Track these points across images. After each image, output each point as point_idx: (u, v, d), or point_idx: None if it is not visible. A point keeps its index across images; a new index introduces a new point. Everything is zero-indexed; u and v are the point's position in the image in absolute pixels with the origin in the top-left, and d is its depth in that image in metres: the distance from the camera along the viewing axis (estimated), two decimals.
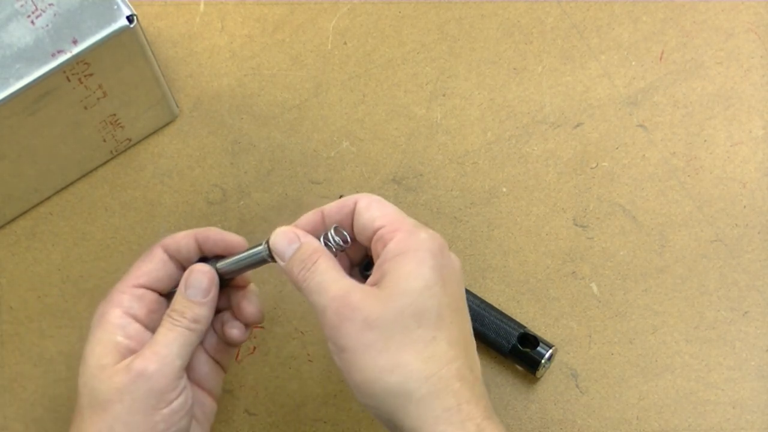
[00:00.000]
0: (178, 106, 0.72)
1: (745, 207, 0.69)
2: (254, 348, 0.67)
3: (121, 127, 0.68)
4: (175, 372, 0.55)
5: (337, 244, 0.55)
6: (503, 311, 0.66)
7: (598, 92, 0.72)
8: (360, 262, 0.59)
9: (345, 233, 0.55)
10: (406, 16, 0.74)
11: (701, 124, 0.71)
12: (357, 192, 0.69)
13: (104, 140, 0.68)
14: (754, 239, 0.68)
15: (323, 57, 0.73)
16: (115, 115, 0.67)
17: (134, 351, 0.56)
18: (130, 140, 0.70)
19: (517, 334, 0.64)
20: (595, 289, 0.68)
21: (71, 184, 0.71)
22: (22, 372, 0.67)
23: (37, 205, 0.70)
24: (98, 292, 0.67)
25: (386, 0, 0.74)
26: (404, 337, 0.50)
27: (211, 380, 0.60)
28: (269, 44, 0.74)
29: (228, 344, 0.60)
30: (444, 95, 0.72)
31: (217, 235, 0.59)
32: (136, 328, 0.57)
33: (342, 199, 0.56)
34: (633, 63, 0.72)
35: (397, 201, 0.69)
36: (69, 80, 0.60)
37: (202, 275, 0.57)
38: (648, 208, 0.69)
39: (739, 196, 0.69)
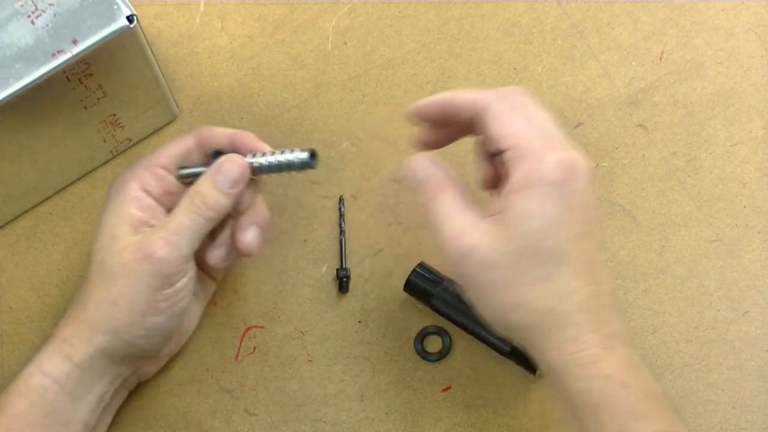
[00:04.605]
0: (178, 106, 0.72)
1: (745, 207, 0.69)
2: (254, 348, 0.67)
3: (121, 127, 0.68)
4: (182, 259, 0.56)
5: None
6: None
7: (598, 92, 0.72)
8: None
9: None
10: (406, 16, 0.74)
11: (701, 124, 0.71)
12: (357, 191, 0.69)
13: (104, 140, 0.68)
14: (754, 239, 0.68)
15: (323, 57, 0.73)
16: (115, 115, 0.67)
17: (148, 224, 0.57)
18: (130, 140, 0.70)
19: None
20: None
21: (71, 184, 0.71)
22: None
23: (37, 205, 0.70)
24: None
25: (386, 0, 0.74)
26: (524, 276, 0.50)
27: (215, 269, 0.62)
28: (269, 44, 0.73)
29: (240, 253, 0.61)
30: None
31: (254, 144, 0.60)
32: (150, 203, 0.58)
33: (476, 94, 0.54)
34: (633, 63, 0.72)
35: (397, 201, 0.69)
36: (69, 80, 0.60)
37: (238, 167, 0.58)
38: (648, 208, 0.69)
39: (739, 196, 0.69)
